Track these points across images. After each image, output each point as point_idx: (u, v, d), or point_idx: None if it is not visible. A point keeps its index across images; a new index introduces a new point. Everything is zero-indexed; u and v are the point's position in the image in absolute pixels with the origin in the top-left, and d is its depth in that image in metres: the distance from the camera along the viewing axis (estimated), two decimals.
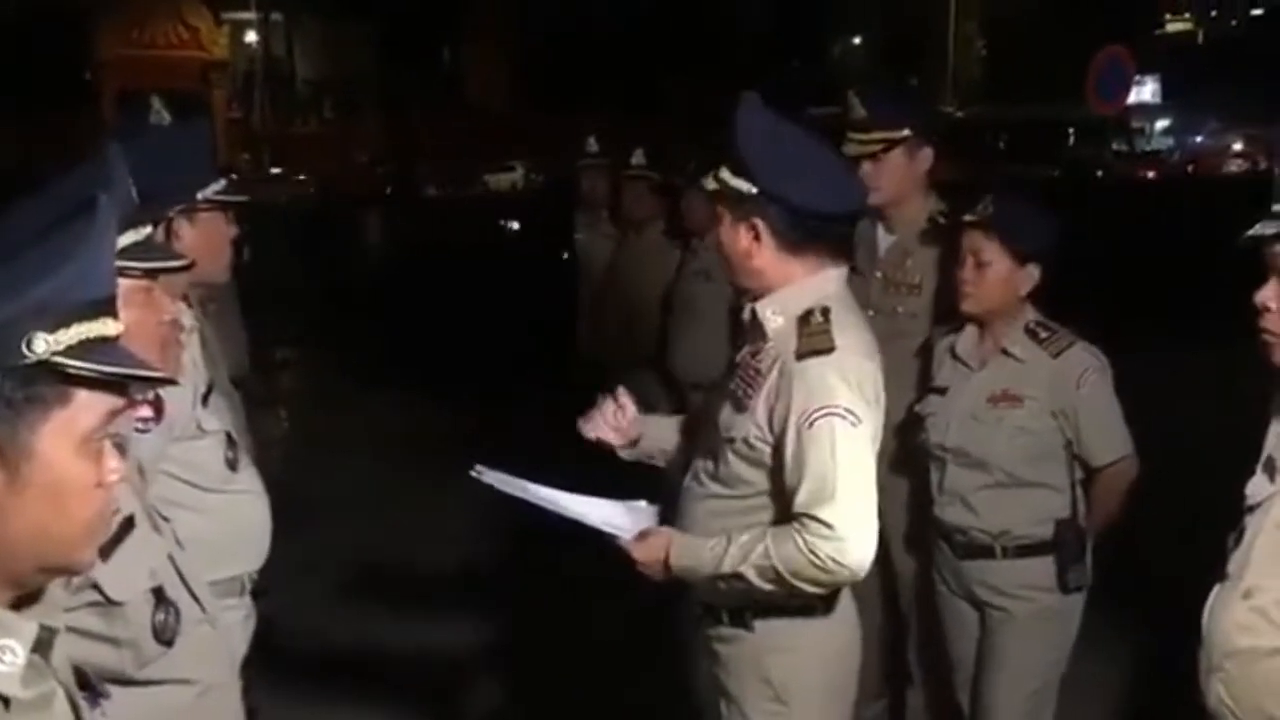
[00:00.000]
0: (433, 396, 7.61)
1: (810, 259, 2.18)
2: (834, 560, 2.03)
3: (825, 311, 2.13)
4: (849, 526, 2.03)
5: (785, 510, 2.11)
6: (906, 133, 3.22)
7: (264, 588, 2.49)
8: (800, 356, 2.11)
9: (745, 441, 2.18)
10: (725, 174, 2.18)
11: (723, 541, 2.15)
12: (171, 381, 1.62)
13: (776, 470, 2.14)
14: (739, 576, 2.12)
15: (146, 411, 2.16)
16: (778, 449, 2.12)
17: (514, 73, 36.09)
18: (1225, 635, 1.86)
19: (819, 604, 2.20)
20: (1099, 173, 13.31)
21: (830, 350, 2.09)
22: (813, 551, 2.03)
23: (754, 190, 2.14)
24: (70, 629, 1.31)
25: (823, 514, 2.03)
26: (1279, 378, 1.90)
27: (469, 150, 27.52)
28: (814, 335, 2.11)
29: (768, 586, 2.11)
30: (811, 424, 2.06)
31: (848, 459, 2.05)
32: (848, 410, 2.06)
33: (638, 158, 5.44)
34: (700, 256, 4.69)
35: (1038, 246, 2.84)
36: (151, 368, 1.25)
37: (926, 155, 3.26)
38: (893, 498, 3.21)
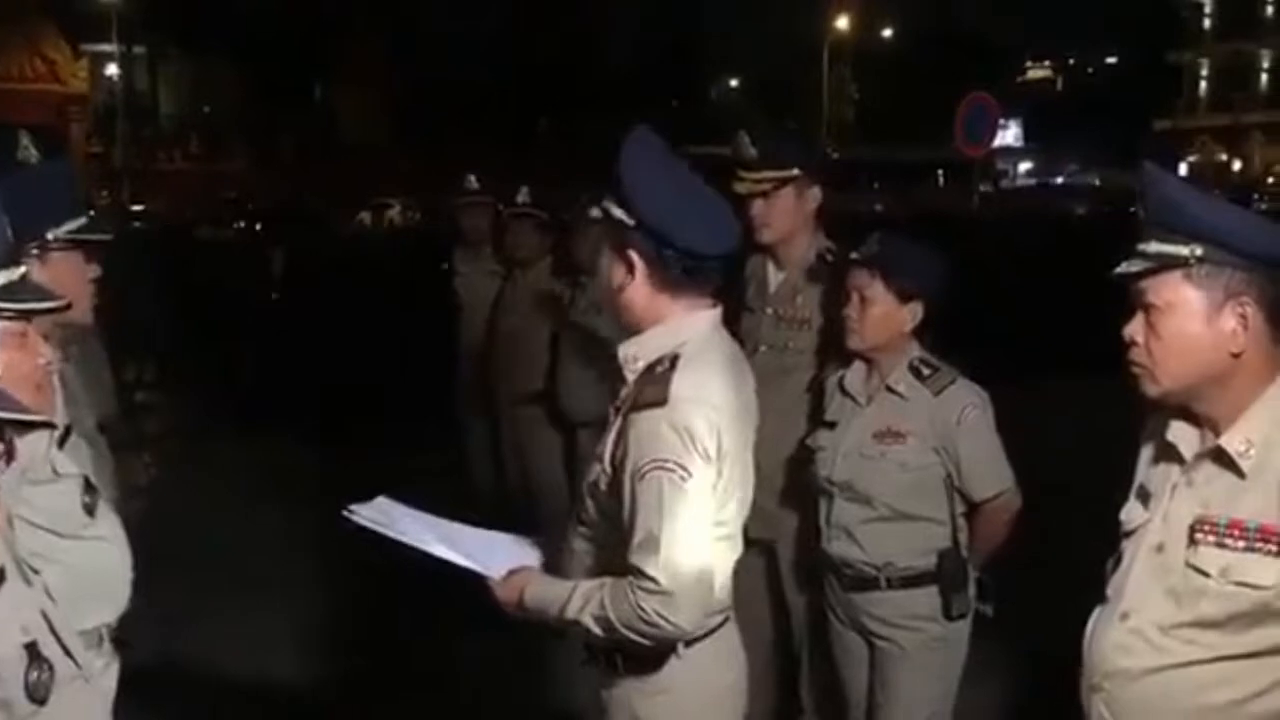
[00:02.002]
0: (308, 438, 7.41)
1: (682, 299, 2.16)
2: (659, 614, 2.02)
3: (674, 360, 2.11)
4: (674, 582, 2.01)
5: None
6: (796, 172, 3.27)
7: (126, 639, 2.39)
8: (635, 408, 2.10)
9: (595, 485, 2.19)
10: (609, 202, 2.16)
11: (569, 587, 2.15)
12: (51, 425, 1.55)
13: (619, 516, 2.12)
14: (578, 623, 2.11)
15: None
16: (618, 496, 2.11)
17: (388, 110, 35.78)
18: (1105, 656, 1.92)
19: (691, 644, 2.15)
20: (974, 207, 13.83)
21: (662, 403, 2.07)
22: (640, 605, 2.02)
23: (632, 222, 2.13)
24: None
25: (648, 568, 2.02)
26: (1147, 408, 1.98)
27: (343, 187, 27.08)
28: (651, 386, 2.10)
29: (603, 635, 2.10)
30: (642, 476, 2.05)
31: (674, 514, 2.03)
32: (677, 464, 2.04)
33: (523, 195, 5.41)
34: (589, 293, 4.70)
35: (921, 285, 2.90)
36: (31, 411, 1.20)
37: (815, 194, 3.32)
38: (784, 532, 3.27)
